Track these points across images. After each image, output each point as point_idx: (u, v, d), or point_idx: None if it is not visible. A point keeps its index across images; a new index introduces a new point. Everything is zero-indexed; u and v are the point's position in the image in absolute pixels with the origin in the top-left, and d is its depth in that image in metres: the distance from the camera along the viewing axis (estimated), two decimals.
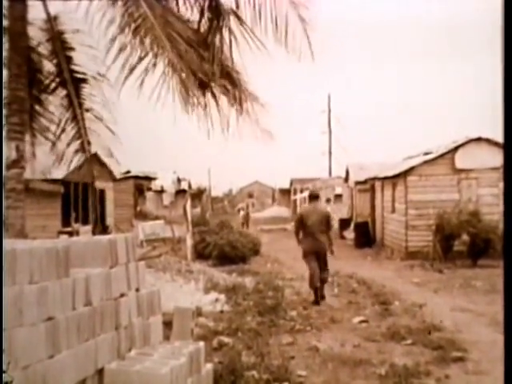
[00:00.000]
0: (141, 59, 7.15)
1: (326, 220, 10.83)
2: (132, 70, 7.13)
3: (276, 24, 7.64)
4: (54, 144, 9.54)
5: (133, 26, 6.99)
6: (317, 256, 10.66)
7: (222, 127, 7.79)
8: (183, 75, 6.86)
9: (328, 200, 29.02)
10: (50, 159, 9.85)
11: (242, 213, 37.23)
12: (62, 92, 9.38)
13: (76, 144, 9.51)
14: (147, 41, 6.98)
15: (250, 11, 7.70)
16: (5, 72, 7.53)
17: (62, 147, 9.53)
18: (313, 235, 10.66)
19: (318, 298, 10.47)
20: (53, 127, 9.55)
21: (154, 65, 7.14)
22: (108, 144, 9.59)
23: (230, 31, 7.83)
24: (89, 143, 9.52)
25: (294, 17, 7.65)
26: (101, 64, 9.02)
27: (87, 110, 9.50)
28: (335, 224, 28.11)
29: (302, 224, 10.87)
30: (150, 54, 7.08)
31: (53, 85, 9.36)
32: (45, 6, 8.81)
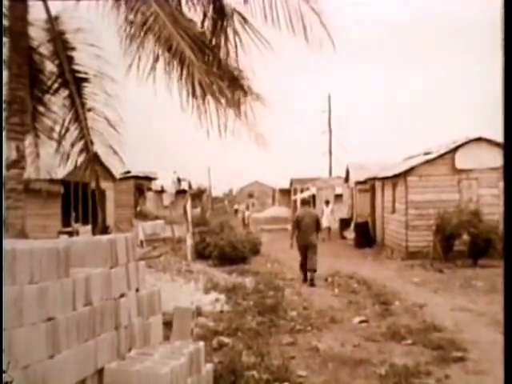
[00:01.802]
0: (156, 57, 7.15)
1: (316, 221, 13.63)
2: (152, 68, 7.12)
3: (290, 16, 7.56)
4: (59, 144, 9.54)
5: (145, 25, 6.99)
6: (307, 248, 13.31)
7: (220, 128, 7.76)
8: (198, 73, 6.85)
9: (327, 202, 28.94)
10: (53, 159, 9.86)
11: (246, 213, 36.40)
12: (64, 92, 9.38)
13: (80, 144, 9.52)
14: (161, 39, 6.97)
15: (259, 5, 7.64)
16: (5, 72, 7.53)
17: (67, 147, 9.54)
18: (305, 233, 13.36)
19: (307, 278, 13.12)
20: (57, 127, 9.56)
21: (168, 63, 7.15)
22: (111, 143, 9.59)
23: (235, 31, 7.81)
24: (91, 143, 9.53)
25: (306, 8, 7.58)
26: (107, 63, 9.06)
27: (89, 110, 9.49)
28: (336, 224, 28.26)
29: (298, 225, 13.56)
30: (165, 53, 7.08)
31: (55, 85, 9.37)
32: (45, 5, 8.81)
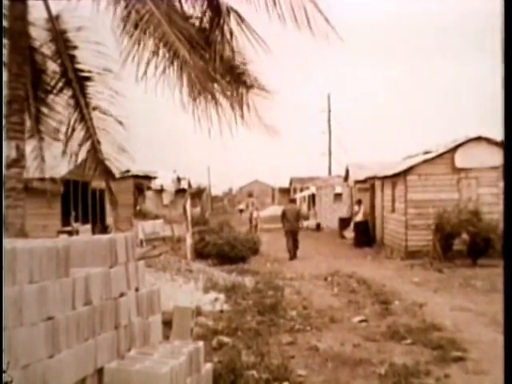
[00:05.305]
0: (152, 56, 7.15)
1: (297, 213, 20.46)
2: (146, 67, 7.12)
3: (293, 10, 7.50)
4: (66, 145, 9.51)
5: (141, 23, 6.98)
6: (292, 234, 19.34)
7: (221, 127, 7.73)
8: (193, 72, 6.84)
9: (359, 201, 25.52)
10: (58, 161, 9.83)
11: (254, 214, 34.80)
12: (68, 92, 9.35)
13: (87, 144, 9.48)
14: (156, 37, 6.98)
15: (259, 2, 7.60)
16: (5, 71, 7.52)
17: (74, 148, 9.51)
18: (290, 222, 19.43)
19: (292, 257, 18.93)
20: (62, 128, 9.53)
21: (164, 62, 7.15)
22: (119, 141, 9.56)
23: (231, 30, 7.80)
24: (98, 142, 9.50)
25: (304, 6, 7.53)
26: (109, 61, 9.03)
27: (94, 109, 9.46)
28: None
29: (284, 216, 19.59)
30: (160, 51, 7.09)
31: (59, 85, 9.33)
32: (46, 4, 8.79)
